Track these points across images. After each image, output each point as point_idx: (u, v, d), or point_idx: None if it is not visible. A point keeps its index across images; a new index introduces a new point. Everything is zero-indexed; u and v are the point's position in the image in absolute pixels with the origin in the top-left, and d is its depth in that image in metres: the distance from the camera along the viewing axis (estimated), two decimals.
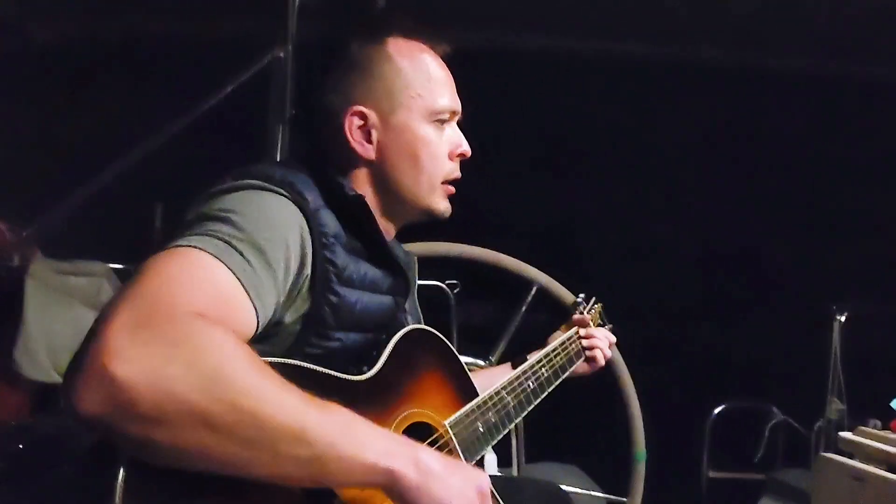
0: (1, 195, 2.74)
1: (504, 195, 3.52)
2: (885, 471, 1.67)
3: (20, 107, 3.18)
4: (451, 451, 1.16)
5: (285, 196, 1.02)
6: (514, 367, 1.47)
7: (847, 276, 3.82)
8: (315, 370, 0.98)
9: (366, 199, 1.16)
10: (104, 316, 0.77)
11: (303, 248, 1.01)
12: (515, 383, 1.39)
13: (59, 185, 2.74)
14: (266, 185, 1.02)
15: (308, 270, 1.02)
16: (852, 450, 1.81)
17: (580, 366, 1.65)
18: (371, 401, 1.04)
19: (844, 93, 3.72)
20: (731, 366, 3.98)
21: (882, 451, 1.72)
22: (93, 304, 2.35)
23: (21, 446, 1.26)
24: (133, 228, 3.03)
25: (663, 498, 2.83)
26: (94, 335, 0.75)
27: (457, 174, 1.25)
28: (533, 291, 2.49)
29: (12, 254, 2.36)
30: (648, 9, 3.50)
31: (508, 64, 3.52)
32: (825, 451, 1.94)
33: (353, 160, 1.19)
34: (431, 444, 1.12)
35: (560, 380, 1.55)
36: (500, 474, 2.32)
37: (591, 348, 1.65)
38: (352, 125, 1.18)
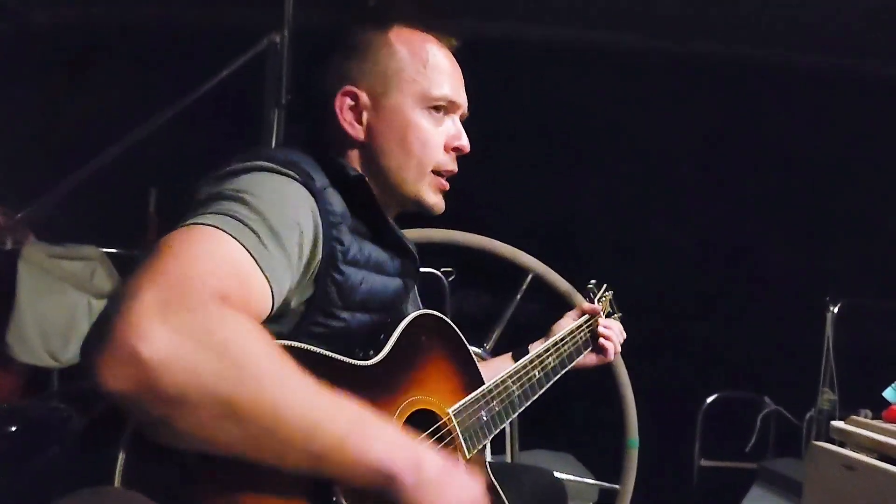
0: None
1: (500, 183, 3.51)
2: (876, 459, 1.68)
3: (15, 90, 3.16)
4: (454, 440, 1.16)
5: (295, 178, 1.01)
6: (515, 359, 1.46)
7: (840, 267, 3.84)
8: (324, 354, 0.97)
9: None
10: (128, 293, 0.76)
11: (315, 231, 1.01)
12: (522, 372, 1.38)
13: (54, 168, 2.72)
14: (275, 166, 1.01)
15: (319, 254, 1.02)
16: (844, 439, 1.82)
17: (587, 356, 1.61)
18: (377, 386, 1.04)
19: (839, 89, 3.72)
20: (723, 356, 4.00)
21: (873, 439, 1.72)
22: (86, 288, 2.35)
23: (14, 429, 1.26)
24: (127, 213, 3.02)
25: (655, 486, 2.85)
26: (118, 312, 0.75)
27: (451, 167, 1.23)
28: (528, 280, 2.49)
29: (5, 237, 2.36)
30: (649, 2, 3.49)
31: (507, 54, 3.51)
32: (817, 441, 1.94)
33: (345, 141, 1.19)
34: (435, 433, 1.13)
35: (566, 369, 1.52)
36: (493, 461, 2.33)
37: (605, 338, 1.61)
38: (343, 105, 1.17)
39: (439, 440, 1.13)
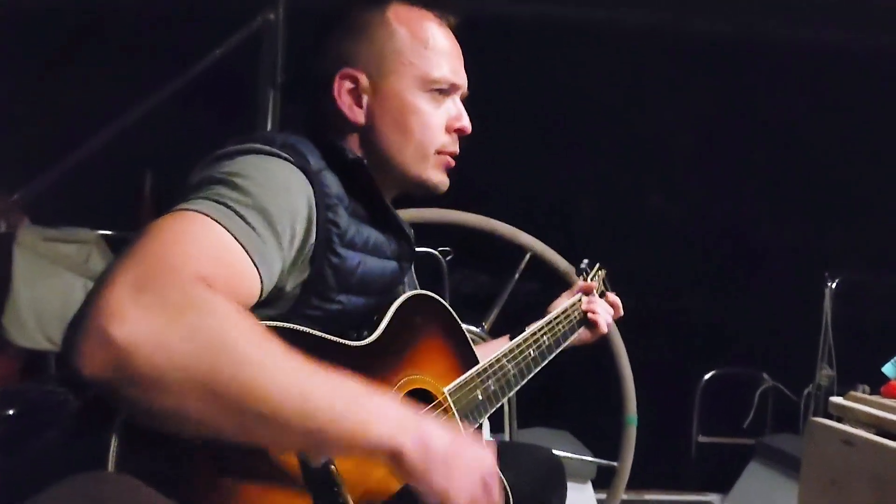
0: None
1: (498, 162, 3.50)
2: (875, 435, 1.69)
3: (8, 73, 3.13)
4: (450, 419, 1.15)
5: (290, 161, 1.00)
6: (512, 339, 1.46)
7: (838, 243, 3.84)
8: (315, 335, 0.97)
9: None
10: (105, 277, 0.75)
11: (309, 214, 1.00)
12: (516, 351, 1.38)
13: (48, 151, 2.71)
14: (271, 150, 1.00)
15: (314, 237, 1.01)
16: (842, 414, 1.82)
17: (582, 333, 1.61)
18: (371, 366, 1.04)
19: (839, 64, 3.69)
20: (721, 332, 4.01)
21: (872, 415, 1.73)
22: (81, 271, 2.34)
23: (11, 412, 1.25)
24: (122, 195, 3.01)
25: (653, 462, 2.86)
26: (94, 296, 0.74)
27: (452, 149, 1.21)
28: (527, 259, 2.48)
29: (0, 220, 2.35)
30: None
31: (503, 31, 3.47)
32: (815, 417, 1.95)
33: (344, 124, 1.17)
34: (431, 412, 1.12)
35: (561, 347, 1.52)
36: (492, 439, 2.34)
37: (592, 312, 1.61)
38: (341, 88, 1.15)
39: None
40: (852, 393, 1.85)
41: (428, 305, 1.22)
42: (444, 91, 1.19)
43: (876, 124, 3.63)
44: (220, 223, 0.86)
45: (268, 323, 0.89)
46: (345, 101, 1.15)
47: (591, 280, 1.71)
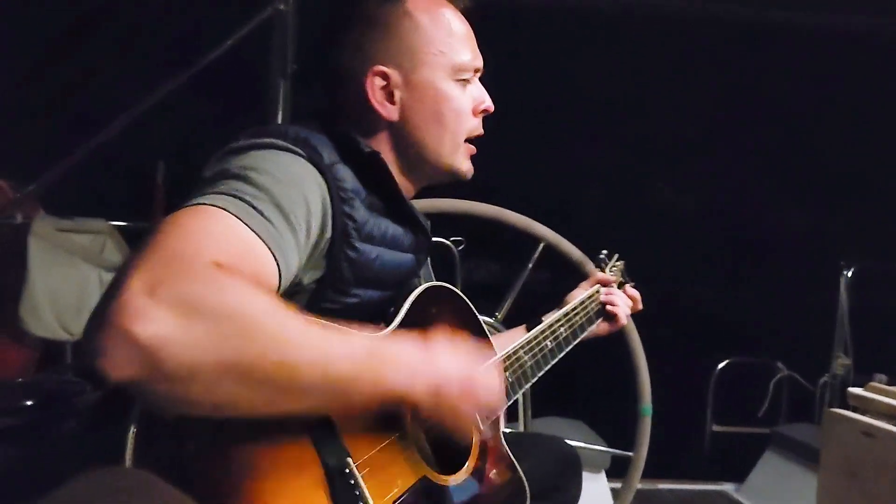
0: (3, 152, 2.72)
1: (510, 152, 3.48)
2: None
3: (21, 63, 3.14)
4: None
5: (302, 155, 1.00)
6: (529, 330, 1.45)
7: (854, 232, 3.81)
8: (332, 327, 0.96)
9: (384, 157, 1.13)
10: (121, 276, 0.75)
11: (324, 209, 1.00)
12: (533, 342, 1.37)
13: (62, 143, 2.71)
14: (282, 143, 0.99)
15: (329, 232, 1.00)
16: (863, 405, 1.80)
17: (600, 325, 1.60)
18: None
19: (856, 49, 3.65)
20: (736, 321, 3.99)
21: (893, 406, 1.71)
22: (96, 261, 2.35)
23: (29, 403, 1.26)
24: (135, 186, 3.02)
25: (668, 452, 2.85)
26: (112, 295, 0.73)
27: (480, 131, 1.23)
28: (540, 248, 2.47)
29: (15, 211, 2.36)
30: None
31: (518, 20, 3.45)
32: (830, 406, 1.93)
33: (373, 121, 1.16)
34: None
35: (579, 339, 1.51)
36: (506, 430, 2.33)
37: (611, 305, 1.60)
38: (374, 86, 1.14)
39: None
40: (872, 384, 1.83)
41: (444, 297, 1.21)
42: (469, 76, 1.19)
43: (891, 111, 3.59)
44: (237, 216, 0.86)
45: None
46: (378, 99, 1.14)
47: (610, 271, 1.69)
